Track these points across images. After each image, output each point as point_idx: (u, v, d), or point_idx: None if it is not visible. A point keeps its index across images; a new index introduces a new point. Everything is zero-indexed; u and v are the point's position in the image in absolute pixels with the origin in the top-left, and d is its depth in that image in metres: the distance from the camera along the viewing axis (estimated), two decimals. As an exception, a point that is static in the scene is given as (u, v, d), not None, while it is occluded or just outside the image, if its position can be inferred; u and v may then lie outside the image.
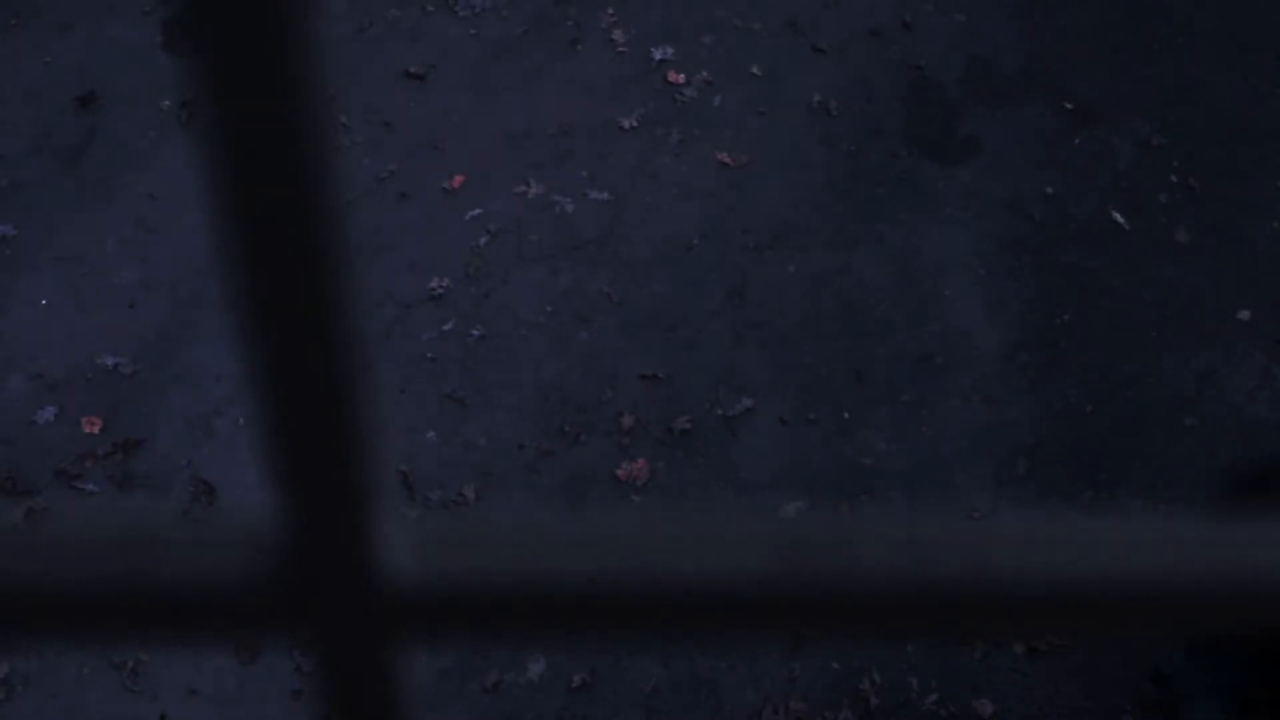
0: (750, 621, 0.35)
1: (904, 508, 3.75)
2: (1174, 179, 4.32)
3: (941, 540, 0.34)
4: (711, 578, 0.34)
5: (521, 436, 3.93)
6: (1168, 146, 4.37)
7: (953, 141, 4.44)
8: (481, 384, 4.03)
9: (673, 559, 0.34)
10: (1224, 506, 2.91)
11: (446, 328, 4.13)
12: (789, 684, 3.48)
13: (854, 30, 4.70)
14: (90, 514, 0.36)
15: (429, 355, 4.09)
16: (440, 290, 4.20)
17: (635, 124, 4.52)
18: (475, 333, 4.12)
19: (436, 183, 4.44)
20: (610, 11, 4.79)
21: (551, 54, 4.72)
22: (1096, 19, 4.67)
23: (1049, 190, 4.30)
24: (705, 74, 4.62)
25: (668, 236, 4.28)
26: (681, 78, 4.62)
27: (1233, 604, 0.34)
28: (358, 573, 0.34)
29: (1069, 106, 4.47)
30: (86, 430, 3.99)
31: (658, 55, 4.67)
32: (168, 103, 4.66)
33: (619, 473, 3.84)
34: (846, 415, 3.91)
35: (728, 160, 4.43)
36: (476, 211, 4.36)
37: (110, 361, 4.12)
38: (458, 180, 4.44)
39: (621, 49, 4.71)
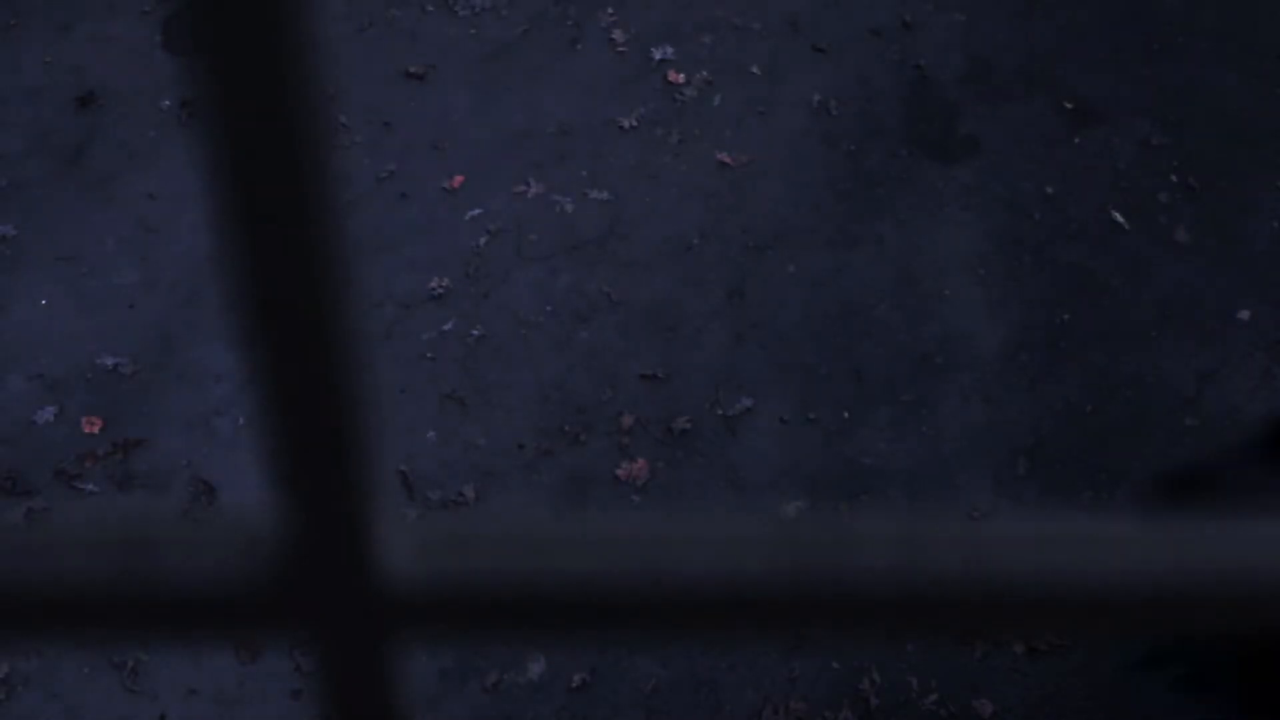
0: (750, 621, 0.35)
1: (904, 508, 3.75)
2: (1174, 179, 4.32)
3: (941, 540, 0.34)
4: (711, 578, 0.34)
5: (521, 436, 3.93)
6: (1168, 146, 4.37)
7: (953, 141, 4.44)
8: (481, 384, 4.03)
9: (673, 559, 0.34)
10: (1149, 510, 2.92)
11: (446, 328, 4.13)
12: (789, 684, 3.48)
13: (854, 30, 4.70)
14: (90, 514, 0.36)
15: (429, 355, 4.09)
16: (440, 290, 4.20)
17: (635, 124, 4.52)
18: (475, 333, 4.12)
19: (436, 182, 4.44)
20: (610, 11, 4.79)
21: (551, 54, 4.72)
22: (1096, 19, 4.67)
23: (1049, 190, 4.30)
24: (705, 74, 4.62)
25: (668, 236, 4.28)
26: (681, 77, 4.62)
27: (1231, 604, 0.34)
28: (358, 573, 0.34)
29: (1069, 106, 4.47)
30: (86, 430, 3.99)
31: (657, 55, 4.67)
32: (168, 102, 4.66)
33: (619, 473, 3.84)
34: (846, 415, 3.91)
35: (728, 160, 4.43)
36: (476, 211, 4.36)
37: (110, 361, 4.12)
38: (457, 180, 4.44)
39: (621, 49, 4.71)
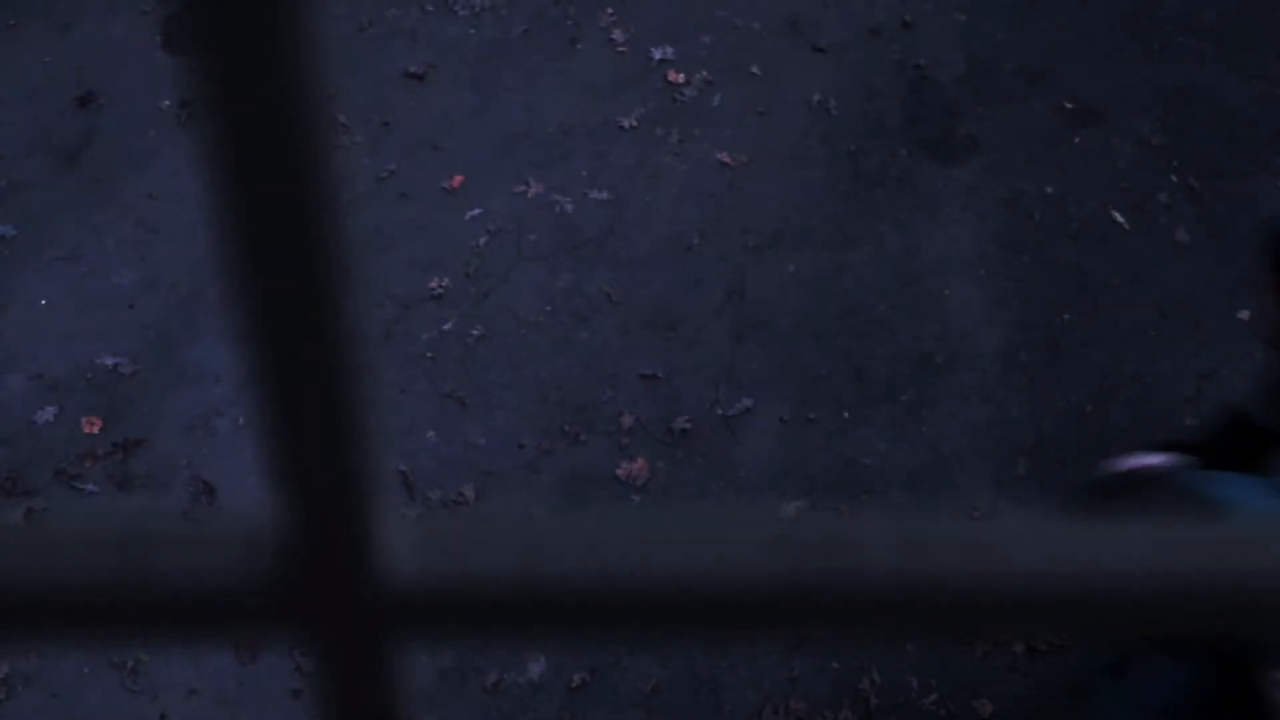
0: (750, 621, 0.35)
1: (904, 508, 3.75)
2: (1174, 179, 4.32)
3: (941, 540, 0.34)
4: (711, 578, 0.34)
5: (521, 436, 3.93)
6: (1168, 146, 4.37)
7: (953, 141, 4.44)
8: (481, 384, 4.03)
9: (673, 559, 0.34)
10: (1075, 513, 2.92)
11: (446, 327, 4.13)
12: (789, 684, 3.48)
13: (854, 30, 4.70)
14: (90, 514, 0.36)
15: (429, 355, 4.09)
16: (440, 290, 4.20)
17: (635, 123, 4.52)
18: (475, 332, 4.12)
19: (436, 182, 4.44)
20: (610, 11, 4.79)
21: (551, 53, 4.72)
22: (1096, 19, 4.67)
23: (1049, 190, 4.30)
24: (705, 73, 4.62)
25: (667, 236, 4.28)
26: (681, 77, 4.62)
27: (1230, 605, 0.34)
28: (358, 573, 0.34)
29: (1069, 106, 4.47)
30: (86, 430, 3.99)
31: (657, 55, 4.67)
32: (167, 102, 4.66)
33: (619, 472, 3.84)
34: (846, 415, 3.91)
35: (728, 160, 4.43)
36: (476, 211, 4.36)
37: (110, 361, 4.12)
38: (457, 180, 4.44)
39: (621, 48, 4.71)
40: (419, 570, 0.34)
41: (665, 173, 4.41)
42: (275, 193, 0.29)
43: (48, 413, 4.03)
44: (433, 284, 4.21)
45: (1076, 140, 4.41)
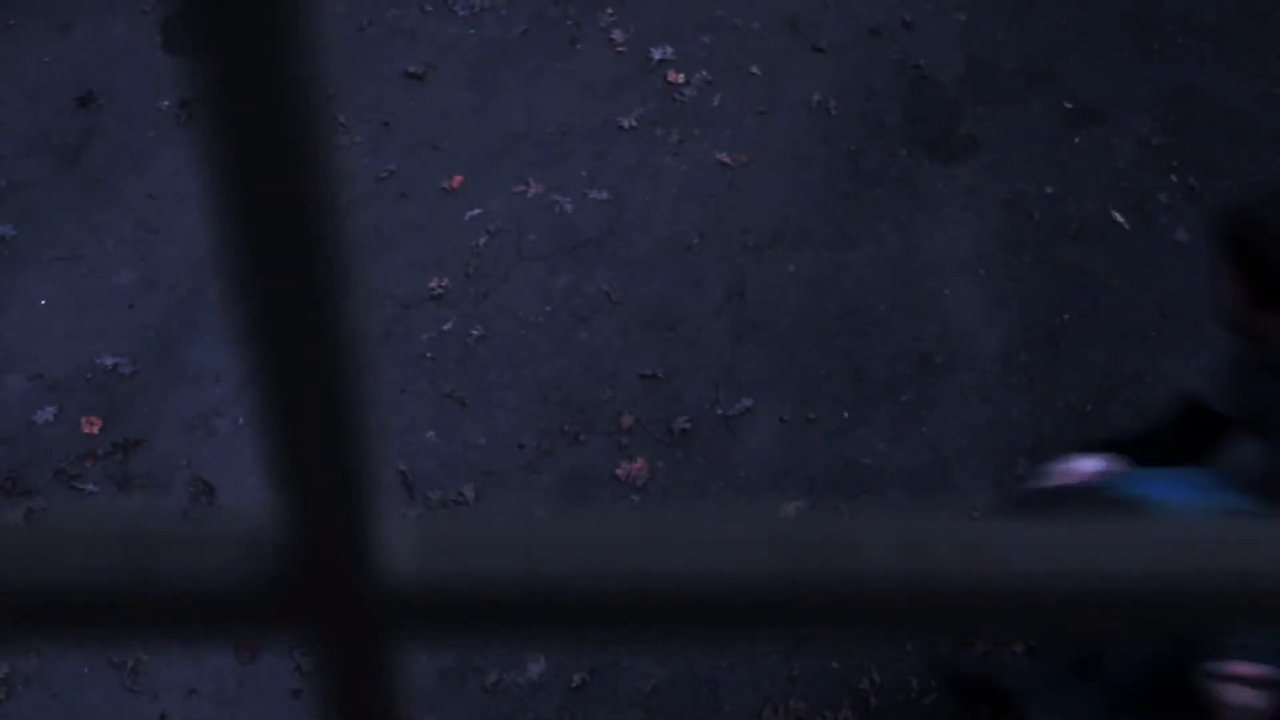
0: (750, 621, 0.35)
1: (904, 508, 3.75)
2: (1174, 179, 4.32)
3: (941, 540, 0.34)
4: (711, 578, 0.34)
5: (521, 436, 3.93)
6: (1168, 146, 4.37)
7: (953, 141, 4.44)
8: (481, 384, 4.03)
9: (673, 559, 0.34)
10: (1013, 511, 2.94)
11: (446, 327, 4.13)
12: (789, 684, 3.48)
13: (854, 30, 4.70)
14: (90, 514, 0.36)
15: (429, 355, 4.09)
16: (440, 290, 4.20)
17: (634, 123, 4.52)
18: (475, 332, 4.12)
19: (436, 182, 4.44)
20: (609, 11, 4.79)
21: (550, 53, 4.72)
22: (1096, 19, 4.67)
23: (1049, 190, 4.30)
24: (705, 73, 4.62)
25: (667, 236, 4.28)
26: (681, 77, 4.62)
27: (1229, 604, 0.34)
28: (358, 573, 0.34)
29: (1069, 106, 4.47)
30: (86, 430, 3.99)
31: (657, 55, 4.67)
32: (167, 103, 4.66)
33: (619, 472, 3.84)
34: (846, 415, 3.91)
35: (727, 160, 4.43)
36: (476, 211, 4.36)
37: (110, 361, 4.12)
38: (457, 180, 4.44)
39: (621, 48, 4.71)
40: (419, 570, 0.34)
41: (665, 173, 4.41)
42: (275, 193, 0.29)
43: (48, 413, 4.03)
44: (432, 284, 4.21)
45: (1076, 140, 4.41)
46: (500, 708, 3.51)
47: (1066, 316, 4.06)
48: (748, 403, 3.94)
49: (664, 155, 4.46)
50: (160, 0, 4.87)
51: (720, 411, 3.93)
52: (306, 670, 3.56)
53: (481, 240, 4.30)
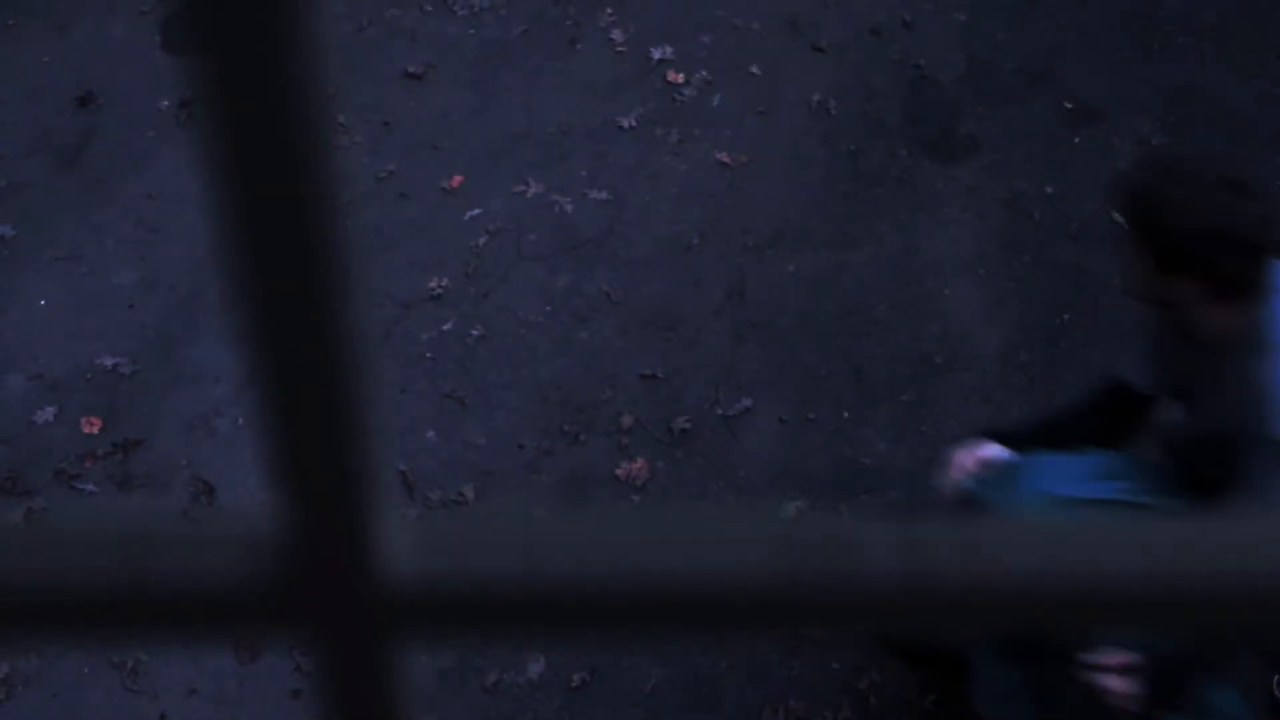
0: (750, 621, 0.35)
1: (904, 508, 3.75)
2: None
3: (941, 540, 0.34)
4: (711, 578, 0.34)
5: (521, 436, 3.93)
6: (1168, 146, 4.37)
7: (953, 141, 4.44)
8: (481, 384, 4.03)
9: (673, 559, 0.34)
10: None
11: (446, 327, 4.13)
12: (789, 684, 3.48)
13: (854, 30, 4.70)
14: (90, 514, 0.36)
15: (428, 355, 4.09)
16: (439, 290, 4.20)
17: (634, 123, 4.52)
18: (475, 332, 4.12)
19: (435, 182, 4.44)
20: (609, 11, 4.79)
21: (550, 53, 4.72)
22: (1096, 19, 4.67)
23: (1049, 190, 4.30)
24: (704, 73, 4.62)
25: (667, 236, 4.28)
26: (681, 77, 4.62)
27: (1229, 604, 0.34)
28: (358, 573, 0.34)
29: (1069, 106, 4.47)
30: (86, 430, 3.99)
31: (657, 55, 4.67)
32: (167, 103, 4.66)
33: (619, 472, 3.84)
34: (846, 415, 3.91)
35: (727, 160, 4.43)
36: (475, 211, 4.37)
37: (110, 361, 4.12)
38: (456, 180, 4.44)
39: (620, 48, 4.71)
40: (419, 570, 0.34)
41: (665, 173, 4.41)
42: (275, 193, 0.29)
43: (48, 413, 4.03)
44: (432, 284, 4.21)
45: (1076, 140, 4.41)
46: (500, 708, 3.51)
47: (1066, 316, 4.06)
48: (747, 403, 3.94)
49: (664, 155, 4.46)
50: (160, 0, 4.87)
51: (720, 411, 3.93)
52: (306, 670, 3.56)
53: (481, 240, 4.30)
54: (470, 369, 4.05)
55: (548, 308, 4.16)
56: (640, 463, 3.85)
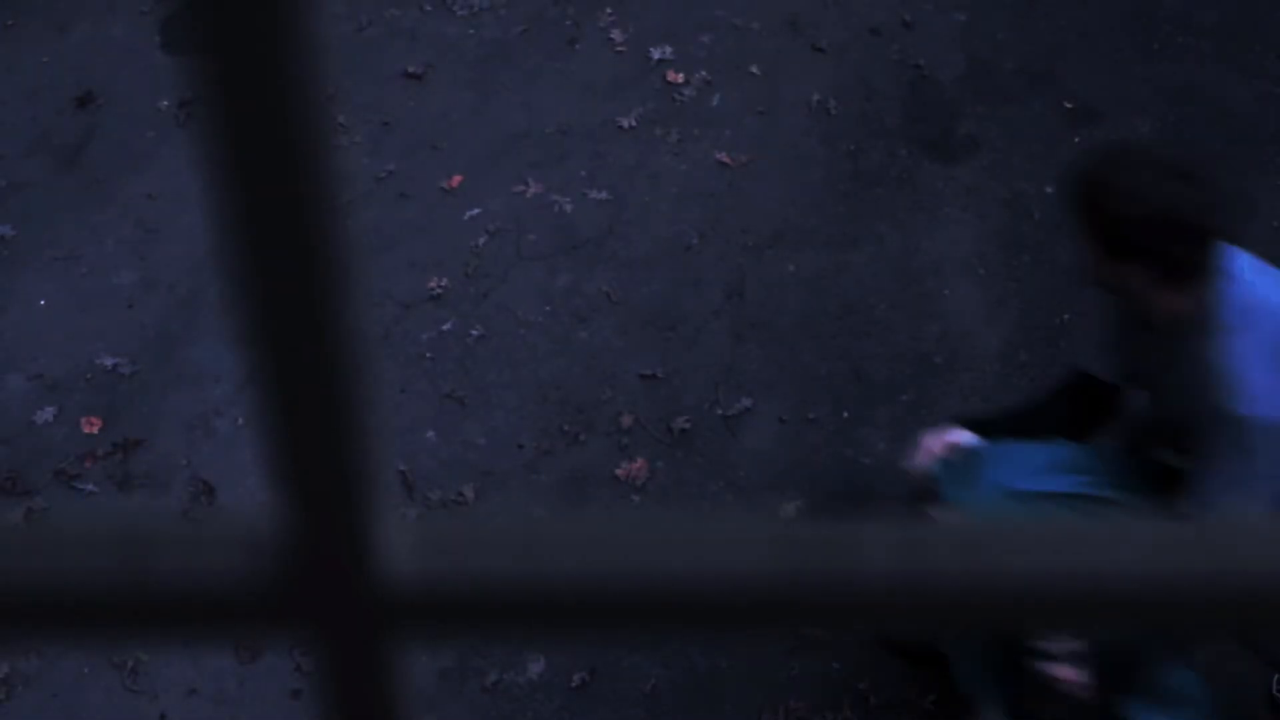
0: (750, 621, 0.35)
1: (904, 508, 3.75)
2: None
3: (941, 540, 0.34)
4: (711, 578, 0.34)
5: (521, 436, 3.93)
6: (1168, 146, 4.37)
7: (953, 141, 4.44)
8: (481, 384, 4.03)
9: (673, 559, 0.34)
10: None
11: (446, 327, 4.13)
12: (789, 684, 3.48)
13: (854, 30, 4.70)
14: (90, 514, 0.36)
15: (428, 355, 4.09)
16: (439, 290, 4.20)
17: (634, 123, 4.52)
18: (474, 332, 4.12)
19: (435, 182, 4.44)
20: (609, 11, 4.79)
21: (550, 53, 4.72)
22: (1096, 19, 4.67)
23: (1049, 190, 4.30)
24: (704, 73, 4.62)
25: (667, 236, 4.28)
26: (680, 77, 4.62)
27: (1230, 605, 0.34)
28: (358, 573, 0.34)
29: (1069, 106, 4.48)
30: (86, 430, 3.99)
31: (656, 55, 4.67)
32: (166, 103, 4.66)
33: (619, 472, 3.84)
34: (846, 415, 3.91)
35: (727, 160, 4.43)
36: (475, 211, 4.37)
37: (110, 361, 4.12)
38: (456, 180, 4.44)
39: (620, 48, 4.71)
40: (419, 570, 0.34)
41: (664, 173, 4.41)
42: (275, 193, 0.29)
43: (48, 413, 4.03)
44: (432, 284, 4.21)
45: (1076, 140, 4.41)
46: (500, 708, 3.51)
47: (1066, 316, 4.06)
48: (747, 403, 3.94)
49: (664, 155, 4.46)
50: (160, 0, 4.87)
51: (720, 411, 3.93)
52: (306, 670, 3.56)
53: (481, 240, 4.30)
54: (470, 369, 4.05)
55: (547, 308, 4.16)
56: (640, 463, 3.85)
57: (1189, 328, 2.62)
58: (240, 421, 3.98)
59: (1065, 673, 2.74)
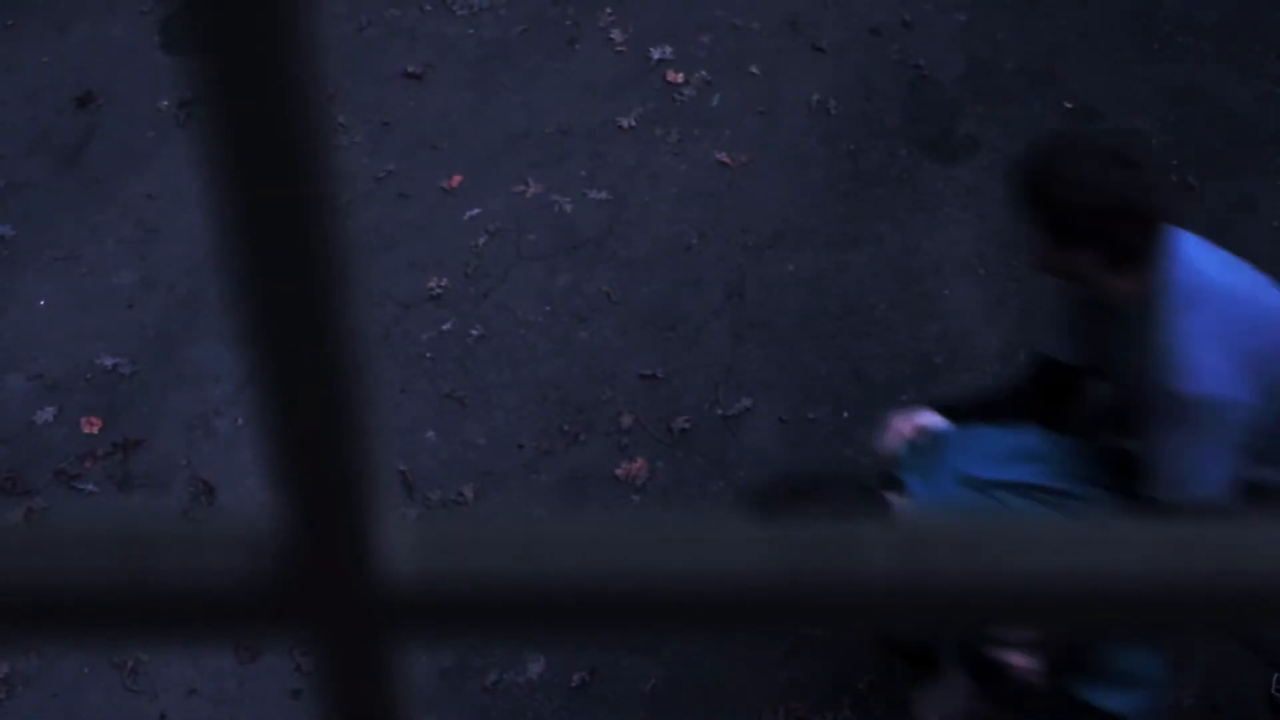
0: (750, 621, 0.35)
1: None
2: (1174, 178, 4.32)
3: (941, 540, 0.34)
4: (711, 578, 0.34)
5: (521, 436, 3.93)
6: (1168, 146, 4.37)
7: (953, 141, 4.44)
8: (481, 384, 4.03)
9: (672, 559, 0.34)
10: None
11: (446, 327, 4.13)
12: (789, 684, 3.48)
13: (854, 30, 4.70)
14: (90, 514, 0.36)
15: (428, 355, 4.09)
16: (439, 290, 4.20)
17: (634, 123, 4.52)
18: (474, 332, 4.12)
19: (435, 182, 4.44)
20: (609, 11, 4.79)
21: (550, 53, 4.72)
22: (1096, 19, 4.67)
23: (1048, 190, 4.30)
24: (704, 73, 4.62)
25: (667, 236, 4.28)
26: (680, 77, 4.62)
27: (1230, 604, 0.34)
28: (358, 573, 0.34)
29: (1069, 106, 4.47)
30: (86, 430, 3.99)
31: (656, 54, 4.67)
32: (166, 103, 4.66)
33: (619, 472, 3.84)
34: (846, 415, 3.91)
35: (727, 160, 4.43)
36: (475, 211, 4.36)
37: (109, 361, 4.12)
38: (456, 180, 4.44)
39: (620, 48, 4.71)
40: (419, 570, 0.34)
41: (664, 173, 4.41)
42: (275, 193, 0.29)
43: (47, 413, 4.03)
44: (432, 284, 4.21)
45: (1076, 140, 4.41)
46: (500, 708, 3.51)
47: (1066, 316, 4.06)
48: (747, 402, 3.94)
49: (664, 155, 4.46)
50: (160, 0, 4.87)
51: (720, 411, 3.93)
52: (306, 670, 3.56)
53: (481, 240, 4.30)
54: (470, 369, 4.05)
55: (547, 308, 4.16)
56: (640, 463, 3.85)
57: (1139, 310, 2.67)
58: (240, 421, 3.98)
59: (1018, 659, 2.78)
